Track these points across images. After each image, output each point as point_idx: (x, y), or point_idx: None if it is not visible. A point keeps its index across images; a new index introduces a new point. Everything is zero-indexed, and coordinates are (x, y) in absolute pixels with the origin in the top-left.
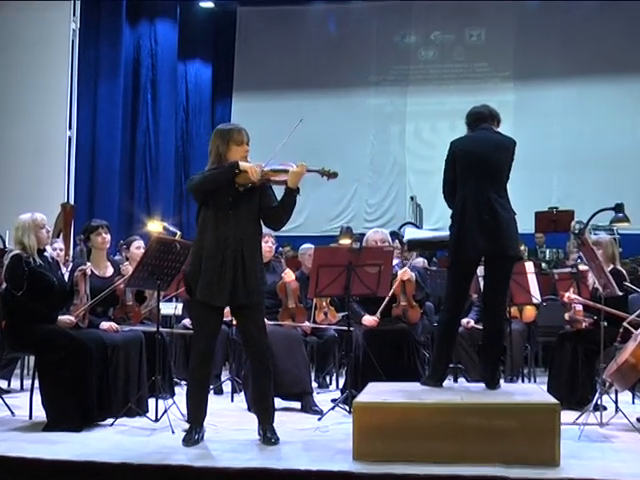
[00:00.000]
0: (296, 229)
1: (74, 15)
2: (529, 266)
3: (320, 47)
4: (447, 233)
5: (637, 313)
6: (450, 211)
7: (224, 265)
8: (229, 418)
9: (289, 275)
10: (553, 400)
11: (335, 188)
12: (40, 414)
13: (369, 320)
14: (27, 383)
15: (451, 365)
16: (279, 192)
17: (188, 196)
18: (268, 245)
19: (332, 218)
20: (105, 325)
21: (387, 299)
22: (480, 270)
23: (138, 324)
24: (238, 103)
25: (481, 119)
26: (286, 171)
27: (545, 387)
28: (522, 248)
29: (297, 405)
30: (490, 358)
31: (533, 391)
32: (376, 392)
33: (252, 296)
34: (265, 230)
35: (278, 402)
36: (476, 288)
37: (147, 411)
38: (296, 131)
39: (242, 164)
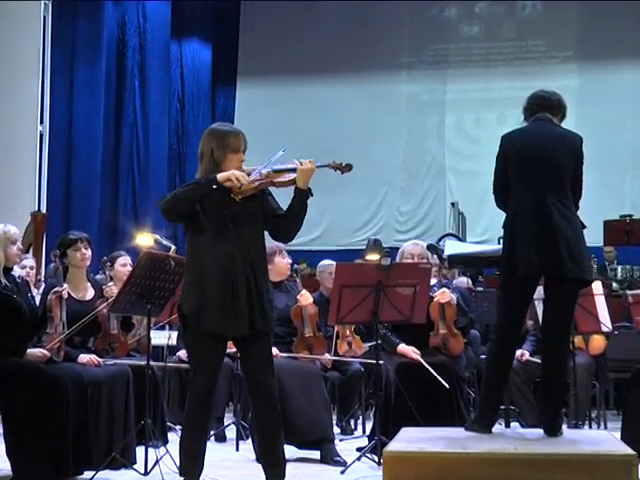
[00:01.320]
0: (313, 242)
1: None
2: (597, 287)
3: (341, 24)
4: (496, 247)
5: None
6: (501, 220)
7: (236, 287)
8: (234, 471)
9: (306, 297)
10: (629, 451)
11: (360, 193)
12: (4, 466)
13: (407, 350)
14: None
15: (502, 407)
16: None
17: None
18: (286, 261)
19: (357, 229)
20: (84, 358)
21: (424, 326)
22: (539, 291)
23: (124, 357)
24: (243, 91)
25: (544, 107)
26: (293, 170)
27: (618, 434)
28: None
29: (315, 455)
30: (550, 398)
31: (603, 439)
32: (411, 439)
33: (268, 322)
34: (278, 244)
35: (292, 452)
36: (533, 314)
37: (135, 462)
38: (311, 127)
39: (220, 176)
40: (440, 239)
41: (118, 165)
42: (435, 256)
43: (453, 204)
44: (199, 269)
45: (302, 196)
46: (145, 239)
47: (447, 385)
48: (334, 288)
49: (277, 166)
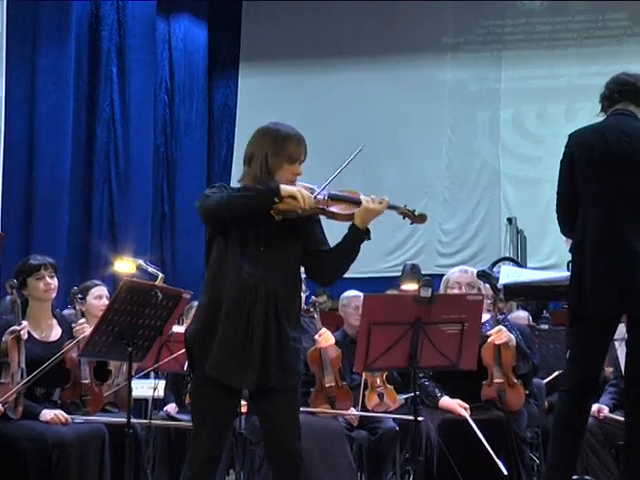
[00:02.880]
0: None
1: None
2: None
3: None
4: (565, 274)
5: None
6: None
7: (251, 326)
8: None
9: (326, 338)
10: None
11: None
12: None
13: (453, 405)
14: None
15: (575, 477)
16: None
17: (173, 220)
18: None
19: (389, 251)
20: (48, 415)
21: (474, 374)
22: (621, 330)
23: (99, 413)
24: (247, 80)
25: (627, 96)
26: (356, 202)
27: None
28: None
29: None
30: (636, 464)
31: None
32: None
33: (290, 377)
34: None
35: None
36: (612, 359)
37: None
38: (330, 124)
39: (285, 188)
40: (494, 264)
41: (91, 173)
42: (488, 285)
43: (510, 220)
44: (215, 292)
45: (358, 237)
46: (125, 265)
47: (505, 470)
48: (361, 326)
49: (338, 192)
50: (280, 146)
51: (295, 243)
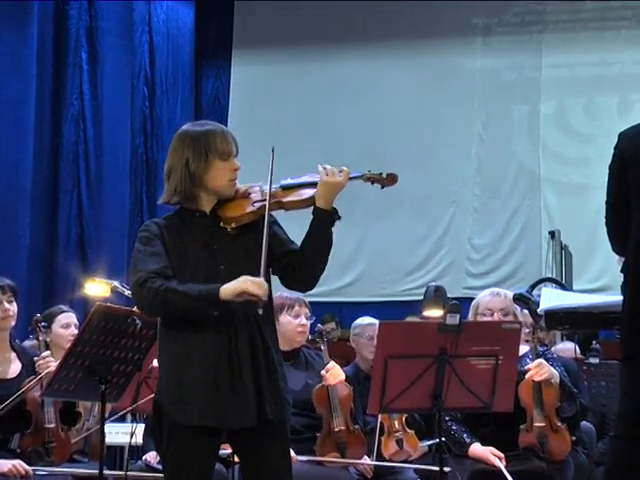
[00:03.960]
0: (345, 291)
1: None
2: None
3: None
4: (617, 298)
5: None
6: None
7: (237, 358)
8: None
9: (334, 374)
10: None
11: (413, 218)
12: None
13: (485, 453)
14: None
15: None
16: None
17: None
18: (299, 321)
19: (409, 271)
20: (5, 466)
21: (510, 417)
22: None
23: (65, 463)
24: (241, 69)
25: None
26: (312, 184)
27: None
28: None
29: None
30: None
31: None
32: None
33: (284, 408)
34: (292, 293)
35: None
36: None
37: None
38: (337, 120)
39: (227, 291)
40: (533, 286)
41: (57, 178)
42: (526, 311)
43: (552, 234)
44: (182, 333)
45: (326, 219)
46: (98, 288)
47: None
48: (376, 359)
49: (288, 180)
50: (203, 145)
51: (257, 252)
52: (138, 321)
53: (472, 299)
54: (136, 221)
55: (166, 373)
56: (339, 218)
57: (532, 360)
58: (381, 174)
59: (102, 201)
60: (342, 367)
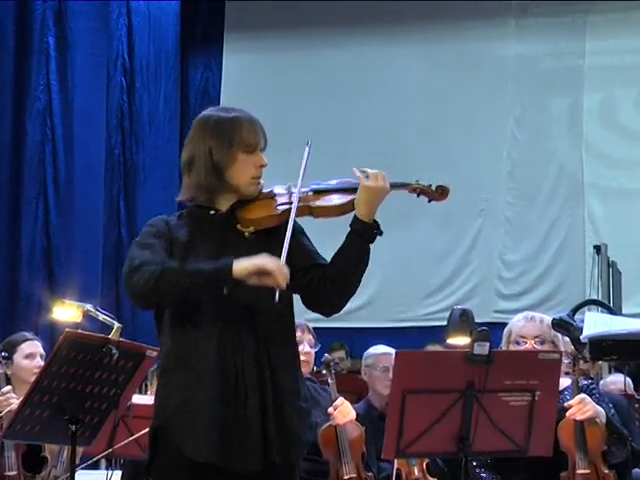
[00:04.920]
0: (355, 315)
1: None
2: None
3: None
4: None
5: None
6: None
7: (242, 389)
8: None
9: (344, 411)
10: None
11: (435, 230)
12: None
13: None
14: None
15: None
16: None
17: None
18: (302, 350)
19: (430, 292)
20: None
21: (549, 462)
22: None
23: None
24: (235, 57)
25: None
26: (351, 188)
27: None
28: None
29: None
30: None
31: None
32: None
33: (298, 448)
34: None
35: None
36: None
37: None
38: (346, 114)
39: (240, 267)
40: (575, 310)
41: (19, 183)
42: (567, 339)
43: (598, 248)
44: (183, 356)
45: (363, 233)
46: (68, 312)
47: None
48: (393, 395)
49: (321, 185)
50: (227, 133)
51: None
52: (115, 350)
53: (504, 325)
54: (112, 234)
55: (168, 398)
56: (381, 233)
57: (574, 396)
58: (430, 186)
59: (72, 210)
60: (352, 404)
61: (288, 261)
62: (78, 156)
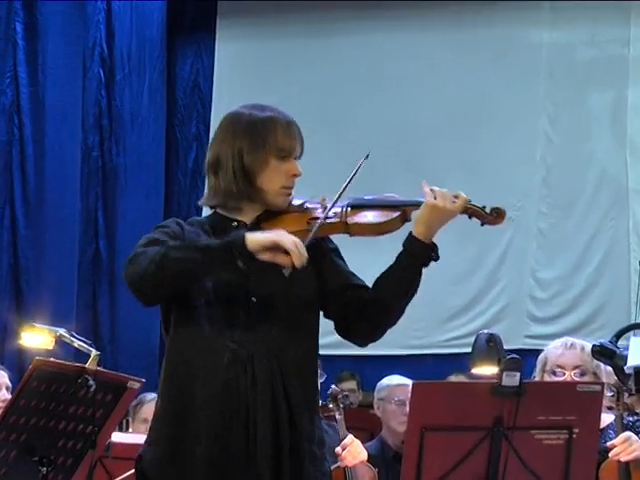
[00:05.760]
0: None
1: None
2: None
3: None
4: None
5: None
6: None
7: (254, 425)
8: None
9: (354, 451)
10: None
11: (459, 242)
12: None
13: None
14: None
15: None
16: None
17: (113, 266)
18: None
19: (452, 315)
20: None
21: None
22: None
23: None
24: (228, 46)
25: None
26: (394, 206)
27: None
28: None
29: None
30: None
31: None
32: None
33: None
34: None
35: None
36: None
37: None
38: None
39: (254, 240)
40: (619, 335)
41: None
42: (610, 369)
43: None
44: (185, 385)
45: (418, 255)
46: (38, 337)
47: None
48: (409, 432)
49: (367, 198)
50: (260, 135)
51: (305, 284)
52: (92, 382)
53: (537, 352)
54: (89, 248)
55: (160, 420)
56: (437, 258)
57: (617, 434)
58: (484, 208)
59: (43, 221)
60: (363, 442)
61: (321, 283)
62: (50, 159)
